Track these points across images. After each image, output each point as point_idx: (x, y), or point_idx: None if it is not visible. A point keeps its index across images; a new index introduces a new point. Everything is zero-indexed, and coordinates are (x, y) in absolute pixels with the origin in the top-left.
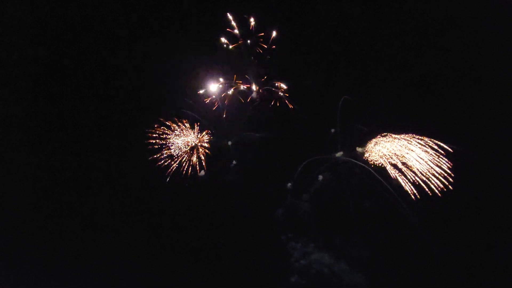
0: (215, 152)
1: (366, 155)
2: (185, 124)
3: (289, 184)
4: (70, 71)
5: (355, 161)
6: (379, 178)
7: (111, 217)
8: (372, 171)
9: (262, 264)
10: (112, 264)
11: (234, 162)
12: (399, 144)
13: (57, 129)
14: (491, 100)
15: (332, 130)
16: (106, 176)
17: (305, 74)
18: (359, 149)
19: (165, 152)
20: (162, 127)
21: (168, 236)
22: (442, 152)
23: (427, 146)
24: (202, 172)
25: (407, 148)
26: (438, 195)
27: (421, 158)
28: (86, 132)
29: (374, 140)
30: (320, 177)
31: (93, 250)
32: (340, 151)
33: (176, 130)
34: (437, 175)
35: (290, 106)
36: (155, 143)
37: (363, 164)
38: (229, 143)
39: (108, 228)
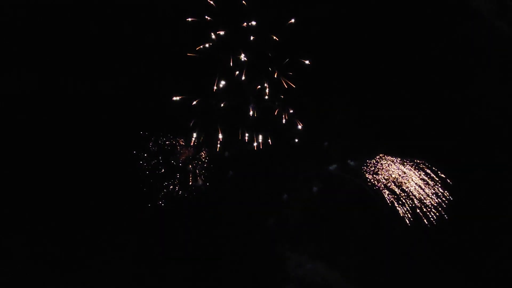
0: (212, 162)
1: (363, 175)
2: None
3: (285, 196)
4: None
5: (348, 175)
6: (370, 191)
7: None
8: (363, 184)
9: (258, 273)
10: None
11: (231, 172)
12: (396, 168)
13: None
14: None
15: (326, 143)
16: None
17: (301, 89)
18: (351, 163)
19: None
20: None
21: (161, 246)
22: (439, 181)
23: (423, 172)
24: (200, 182)
25: (403, 172)
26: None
27: (418, 185)
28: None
29: (371, 161)
30: (315, 189)
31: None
32: (334, 164)
33: (172, 142)
34: (433, 203)
35: (300, 125)
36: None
37: (355, 178)
38: (226, 154)
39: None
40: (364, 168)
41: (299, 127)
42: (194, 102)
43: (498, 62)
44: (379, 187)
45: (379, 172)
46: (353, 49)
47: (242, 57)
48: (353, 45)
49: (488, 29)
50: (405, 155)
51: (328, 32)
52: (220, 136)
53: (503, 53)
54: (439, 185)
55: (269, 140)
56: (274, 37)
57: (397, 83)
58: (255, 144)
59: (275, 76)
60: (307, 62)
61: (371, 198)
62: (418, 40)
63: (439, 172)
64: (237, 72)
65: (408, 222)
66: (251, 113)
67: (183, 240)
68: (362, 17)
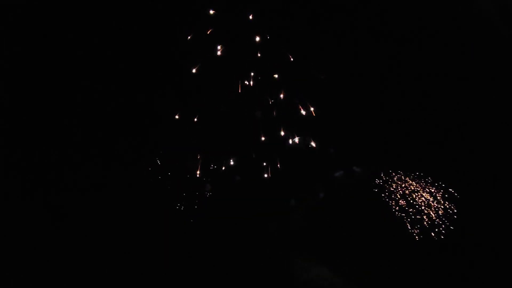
0: (219, 168)
1: (369, 182)
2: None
3: (292, 201)
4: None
5: (354, 181)
6: (376, 198)
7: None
8: (369, 191)
9: (264, 278)
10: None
11: (237, 178)
12: (402, 179)
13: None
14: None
15: (332, 150)
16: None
17: (307, 98)
18: (357, 169)
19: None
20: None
21: (163, 252)
22: (446, 195)
23: (429, 185)
24: (208, 187)
25: (409, 184)
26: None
27: (424, 198)
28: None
29: (378, 170)
30: (321, 195)
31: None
32: (340, 170)
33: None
34: (441, 216)
35: (313, 145)
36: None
37: (360, 185)
38: (233, 159)
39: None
40: (370, 176)
41: (312, 144)
42: (196, 119)
43: (501, 66)
44: (385, 196)
45: (385, 181)
46: (358, 56)
47: (250, 82)
48: (358, 52)
49: (490, 31)
50: (412, 167)
51: (333, 37)
52: (231, 161)
53: (505, 56)
54: (447, 199)
55: (278, 165)
56: (286, 53)
57: (399, 90)
58: (265, 175)
59: (282, 96)
60: (322, 77)
61: (377, 206)
62: (421, 44)
63: (445, 186)
64: (246, 82)
65: (414, 231)
66: (261, 137)
67: (188, 245)
68: (363, 17)
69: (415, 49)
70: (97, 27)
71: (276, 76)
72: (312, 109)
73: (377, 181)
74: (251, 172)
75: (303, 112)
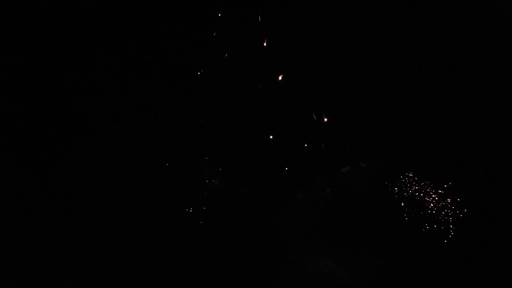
0: (226, 168)
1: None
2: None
3: (300, 196)
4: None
5: (360, 176)
6: (382, 195)
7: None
8: (376, 188)
9: (272, 272)
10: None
11: (245, 175)
12: (414, 184)
13: None
14: None
15: (338, 146)
16: None
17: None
18: (363, 165)
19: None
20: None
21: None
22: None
23: (443, 191)
24: (217, 181)
25: (421, 189)
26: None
27: (436, 202)
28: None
29: (386, 175)
30: (329, 189)
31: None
32: (347, 166)
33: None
34: (451, 217)
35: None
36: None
37: (367, 181)
38: (240, 157)
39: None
40: (377, 173)
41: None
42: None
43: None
44: (392, 194)
45: (393, 180)
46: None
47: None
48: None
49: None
50: (421, 167)
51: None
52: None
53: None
54: (457, 201)
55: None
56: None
57: (411, 89)
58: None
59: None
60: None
61: (384, 203)
62: (434, 43)
63: (455, 188)
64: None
65: (421, 231)
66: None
67: (197, 240)
68: (374, 14)
69: (428, 48)
70: (99, 29)
71: (281, 78)
72: (323, 111)
73: (385, 181)
74: (257, 171)
75: (314, 117)
